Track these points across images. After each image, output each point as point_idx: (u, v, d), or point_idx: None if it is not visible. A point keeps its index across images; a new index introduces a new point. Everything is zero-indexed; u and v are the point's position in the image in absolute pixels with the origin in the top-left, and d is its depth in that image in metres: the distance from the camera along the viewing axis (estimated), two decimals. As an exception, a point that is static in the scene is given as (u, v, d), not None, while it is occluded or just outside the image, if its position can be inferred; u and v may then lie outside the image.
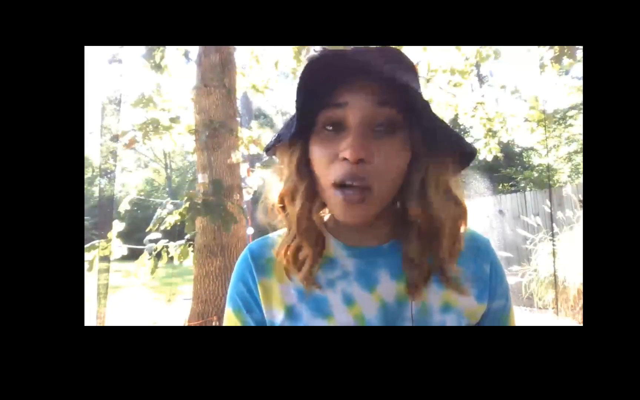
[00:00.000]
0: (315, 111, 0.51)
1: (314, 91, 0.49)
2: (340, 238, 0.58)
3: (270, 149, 0.58)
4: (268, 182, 0.59)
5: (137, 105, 3.51)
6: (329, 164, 0.50)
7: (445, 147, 0.51)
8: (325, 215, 0.60)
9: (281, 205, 0.57)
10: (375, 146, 0.48)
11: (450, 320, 0.54)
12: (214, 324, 3.04)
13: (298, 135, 0.53)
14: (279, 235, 0.60)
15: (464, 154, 0.54)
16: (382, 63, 0.47)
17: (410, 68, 0.53)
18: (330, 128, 0.50)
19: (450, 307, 0.54)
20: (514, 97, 4.87)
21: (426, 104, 0.47)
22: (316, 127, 0.51)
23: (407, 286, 0.53)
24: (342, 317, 0.53)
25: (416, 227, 0.53)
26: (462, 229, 0.54)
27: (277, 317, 0.55)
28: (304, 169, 0.54)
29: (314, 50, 0.47)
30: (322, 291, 0.55)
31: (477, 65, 4.86)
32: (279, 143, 0.55)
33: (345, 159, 0.48)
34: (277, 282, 0.57)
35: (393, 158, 0.49)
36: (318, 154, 0.51)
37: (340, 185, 0.49)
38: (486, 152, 5.04)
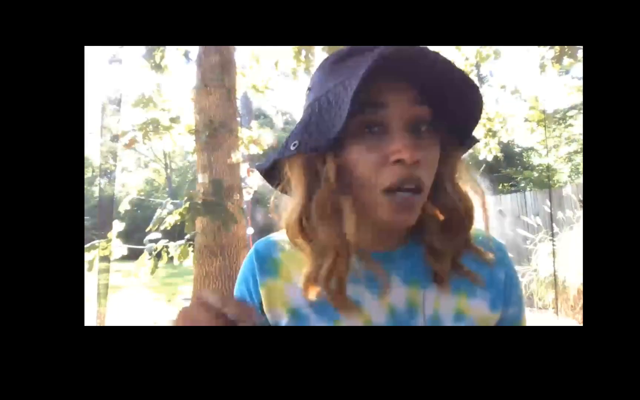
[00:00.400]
0: (354, 114, 0.45)
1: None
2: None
3: (281, 160, 0.52)
4: (283, 204, 0.55)
5: (137, 105, 3.51)
6: (378, 168, 0.47)
7: (468, 139, 0.53)
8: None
9: (299, 223, 0.51)
10: (420, 146, 0.47)
11: None
12: (214, 324, 3.03)
13: (336, 142, 0.47)
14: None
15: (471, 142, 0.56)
16: (454, 66, 0.46)
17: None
18: (373, 130, 0.47)
19: (463, 315, 0.53)
20: (514, 97, 4.88)
21: (478, 99, 0.48)
22: (350, 129, 0.46)
23: (434, 280, 0.53)
24: (349, 323, 0.52)
25: (437, 220, 0.52)
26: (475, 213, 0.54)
27: (282, 319, 0.54)
28: (341, 180, 0.49)
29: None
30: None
31: (477, 65, 4.86)
32: (312, 152, 0.48)
33: (398, 161, 0.46)
34: (283, 283, 0.55)
35: (434, 156, 0.49)
36: (362, 159, 0.47)
37: (394, 190, 0.47)
38: (486, 152, 5.04)
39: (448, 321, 0.52)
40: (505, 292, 0.56)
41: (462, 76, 0.46)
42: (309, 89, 0.55)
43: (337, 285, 0.50)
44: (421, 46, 0.46)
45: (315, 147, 0.47)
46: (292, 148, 0.49)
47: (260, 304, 0.55)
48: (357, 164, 0.48)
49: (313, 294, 0.51)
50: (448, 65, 0.45)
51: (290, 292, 0.54)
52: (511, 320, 0.57)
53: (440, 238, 0.52)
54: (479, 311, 0.54)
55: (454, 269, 0.53)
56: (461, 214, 0.52)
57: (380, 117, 0.47)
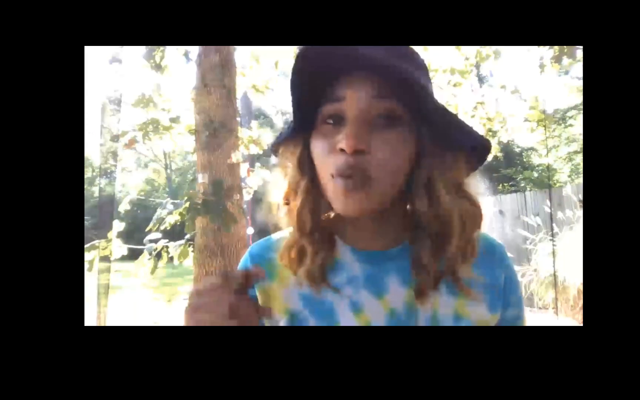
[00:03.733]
0: (317, 106, 0.51)
1: (312, 85, 0.49)
2: (348, 241, 0.56)
3: (274, 148, 0.58)
4: (272, 181, 0.59)
5: (137, 105, 3.50)
6: (328, 156, 0.49)
7: (455, 141, 0.50)
8: (330, 214, 0.58)
9: (285, 203, 0.57)
10: (375, 138, 0.47)
11: None
12: (214, 324, 3.03)
13: (300, 131, 0.53)
14: (282, 237, 0.58)
15: (477, 149, 0.52)
16: (381, 55, 0.46)
17: (419, 65, 0.52)
18: (331, 121, 0.50)
19: (462, 317, 0.53)
20: (514, 97, 4.87)
21: (430, 96, 0.47)
22: (317, 122, 0.52)
23: (415, 291, 0.51)
24: (348, 325, 0.52)
25: (426, 229, 0.51)
26: (475, 230, 0.51)
27: (279, 321, 0.54)
28: (306, 165, 0.54)
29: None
30: (329, 297, 0.53)
31: (477, 65, 4.86)
32: (282, 140, 0.55)
33: (342, 149, 0.47)
34: (279, 287, 0.55)
35: (394, 150, 0.48)
36: (318, 147, 0.51)
37: (339, 176, 0.48)
38: (486, 152, 5.02)
39: (447, 322, 0.52)
40: (505, 294, 0.56)
41: (400, 72, 0.45)
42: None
43: (310, 266, 0.53)
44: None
45: (284, 137, 0.55)
46: (278, 136, 0.57)
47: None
48: (314, 151, 0.52)
49: (285, 262, 0.55)
50: (380, 57, 0.46)
51: (286, 294, 0.55)
52: (510, 322, 0.57)
53: (424, 249, 0.51)
54: (477, 313, 0.53)
55: (452, 280, 0.52)
56: (449, 224, 0.49)
57: (337, 109, 0.49)
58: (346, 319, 0.52)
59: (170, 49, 3.53)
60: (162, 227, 2.95)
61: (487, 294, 0.55)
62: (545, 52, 3.57)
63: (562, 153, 10.79)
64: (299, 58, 0.47)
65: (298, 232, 0.54)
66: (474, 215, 0.51)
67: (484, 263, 0.55)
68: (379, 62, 0.45)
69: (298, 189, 0.54)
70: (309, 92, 0.50)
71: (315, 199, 0.54)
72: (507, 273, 0.57)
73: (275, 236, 0.59)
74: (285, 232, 0.59)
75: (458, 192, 0.50)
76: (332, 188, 0.49)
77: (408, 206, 0.55)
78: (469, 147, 0.51)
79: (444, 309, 0.52)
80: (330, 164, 0.49)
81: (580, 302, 3.79)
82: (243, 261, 0.59)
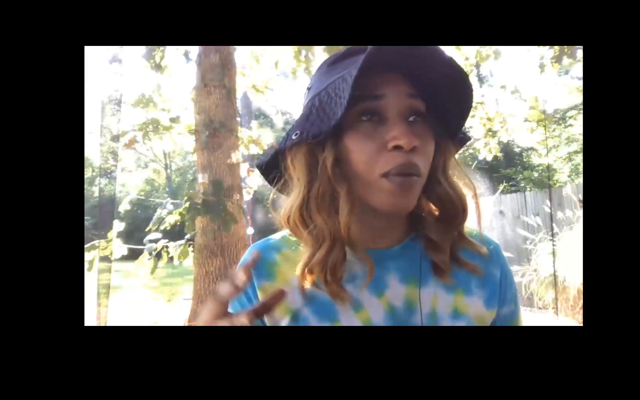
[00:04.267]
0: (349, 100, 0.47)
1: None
2: (351, 240, 0.55)
3: (283, 150, 0.53)
4: (283, 198, 0.56)
5: (137, 105, 3.51)
6: (376, 155, 0.48)
7: (458, 134, 0.55)
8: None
9: (301, 216, 0.52)
10: (416, 135, 0.49)
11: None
12: (214, 324, 3.03)
13: (332, 133, 0.49)
14: (283, 237, 0.58)
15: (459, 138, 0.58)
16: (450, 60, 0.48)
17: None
18: (367, 119, 0.49)
19: (460, 313, 0.54)
20: (514, 97, 4.88)
21: (463, 98, 0.50)
22: (347, 120, 0.49)
23: (434, 271, 0.54)
24: (349, 323, 0.52)
25: (432, 213, 0.55)
26: (472, 200, 0.56)
27: (282, 322, 0.54)
28: (316, 169, 0.51)
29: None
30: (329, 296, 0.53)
31: (477, 65, 4.86)
32: (314, 139, 0.49)
33: (396, 147, 0.47)
34: (281, 286, 0.53)
35: (429, 145, 0.51)
36: (360, 146, 0.49)
37: (397, 174, 0.48)
38: (486, 152, 5.04)
39: (445, 318, 0.53)
40: (501, 290, 0.57)
41: (455, 69, 0.47)
42: (308, 88, 0.57)
43: (332, 274, 0.50)
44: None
45: (316, 134, 0.49)
46: (293, 138, 0.51)
47: None
48: (354, 151, 0.49)
49: (308, 282, 0.52)
50: (441, 58, 0.47)
51: (288, 294, 0.54)
52: (507, 318, 0.58)
53: (436, 230, 0.54)
54: (475, 309, 0.55)
55: (453, 261, 0.55)
56: (455, 205, 0.54)
57: (377, 107, 0.49)
58: (346, 316, 0.52)
59: (170, 49, 3.54)
60: (162, 227, 2.96)
61: (484, 290, 0.56)
62: (545, 52, 3.58)
63: (562, 153, 10.79)
64: (371, 56, 0.45)
65: (332, 244, 0.50)
66: (465, 197, 0.56)
67: (481, 261, 0.56)
68: (450, 67, 0.47)
69: (330, 196, 0.50)
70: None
71: (331, 202, 0.51)
72: (502, 270, 0.58)
73: (275, 236, 0.59)
74: (284, 232, 0.58)
75: (452, 172, 0.56)
76: (383, 187, 0.48)
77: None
78: (461, 139, 0.57)
79: (442, 306, 0.53)
80: (380, 163, 0.48)
81: (580, 302, 3.80)
82: (243, 260, 0.59)
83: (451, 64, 0.47)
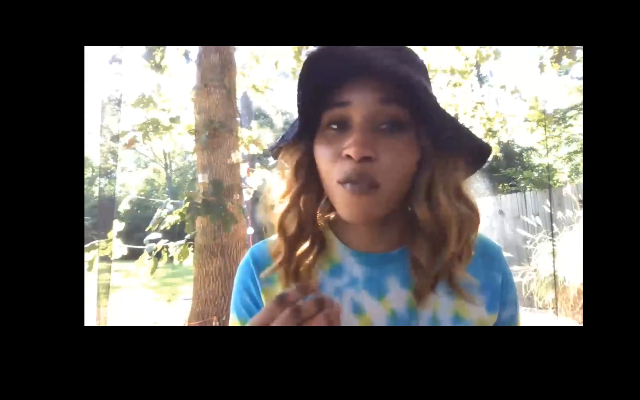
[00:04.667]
0: (320, 111, 0.50)
1: (318, 89, 0.48)
2: (349, 244, 0.56)
3: (275, 150, 0.57)
4: (269, 181, 0.59)
5: (137, 105, 3.51)
6: (333, 162, 0.49)
7: (455, 145, 0.50)
8: (331, 216, 0.59)
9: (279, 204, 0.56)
10: (381, 144, 0.47)
11: None
12: (214, 324, 3.04)
13: (302, 135, 0.52)
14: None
15: (477, 152, 0.52)
16: (385, 59, 0.45)
17: (420, 66, 0.52)
18: (335, 127, 0.49)
19: (461, 317, 0.53)
20: (513, 97, 4.88)
21: (433, 100, 0.46)
22: (320, 127, 0.51)
23: (413, 294, 0.52)
24: (350, 325, 0.52)
25: (425, 233, 0.51)
26: (473, 234, 0.51)
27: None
28: (304, 169, 0.54)
29: (309, 48, 0.47)
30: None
31: (477, 65, 4.86)
32: (283, 143, 0.54)
33: (348, 156, 0.46)
34: (281, 287, 0.55)
35: (400, 156, 0.48)
36: (322, 153, 0.50)
37: (346, 182, 0.47)
38: (486, 152, 5.02)
39: (446, 323, 0.53)
40: (502, 295, 0.57)
41: (395, 74, 0.45)
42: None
43: (286, 260, 0.54)
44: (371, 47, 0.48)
45: (286, 140, 0.54)
46: (278, 142, 0.56)
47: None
48: (318, 157, 0.51)
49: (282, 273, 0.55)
50: (380, 64, 0.44)
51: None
52: (507, 321, 0.58)
53: (423, 252, 0.51)
54: (476, 313, 0.54)
55: (450, 288, 0.53)
56: (439, 231, 0.50)
57: (341, 115, 0.49)
58: (348, 320, 0.52)
59: (170, 49, 3.53)
60: (162, 227, 2.95)
61: (485, 294, 0.55)
62: (545, 52, 3.58)
63: (562, 153, 10.79)
64: (308, 61, 0.45)
65: (280, 236, 0.54)
66: (471, 219, 0.51)
67: (481, 264, 0.56)
68: (385, 66, 0.44)
69: (291, 192, 0.54)
70: (314, 96, 0.49)
71: (307, 203, 0.54)
72: (503, 274, 0.58)
73: (274, 238, 0.59)
74: None
75: (457, 195, 0.50)
76: (339, 194, 0.49)
77: (409, 208, 0.54)
78: (469, 150, 0.51)
79: (443, 310, 0.53)
80: (336, 170, 0.48)
81: (580, 302, 3.79)
82: (244, 263, 0.59)
83: (391, 69, 0.44)
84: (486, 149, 0.52)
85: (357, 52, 0.46)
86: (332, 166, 0.49)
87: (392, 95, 0.47)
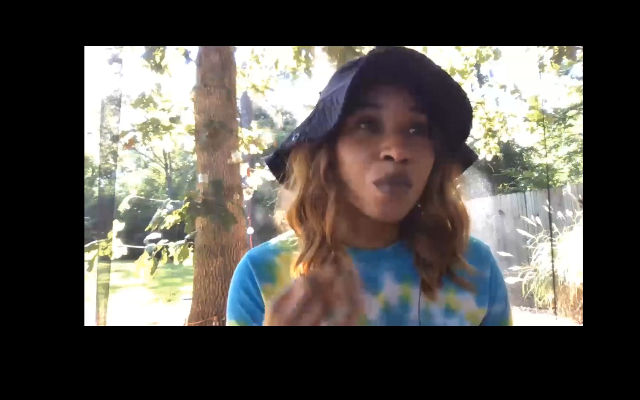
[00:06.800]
0: (347, 110, 0.49)
1: (358, 88, 0.48)
2: (345, 241, 0.56)
3: (283, 152, 0.56)
4: (281, 193, 0.58)
5: (137, 105, 3.51)
6: (369, 163, 0.49)
7: (461, 151, 0.56)
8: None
9: (298, 215, 0.54)
10: (411, 147, 0.49)
11: (452, 324, 0.55)
12: (214, 324, 3.04)
13: (328, 136, 0.51)
14: (281, 241, 0.59)
15: (468, 159, 0.58)
16: (429, 70, 0.47)
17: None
18: (364, 127, 0.50)
19: (453, 311, 0.55)
20: (513, 97, 4.87)
21: (461, 115, 0.50)
22: (346, 127, 0.51)
23: (422, 288, 0.54)
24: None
25: (426, 227, 0.55)
26: (468, 229, 0.56)
27: None
28: (331, 173, 0.53)
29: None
30: None
31: (477, 65, 4.86)
32: (310, 142, 0.52)
33: (387, 157, 0.48)
34: (281, 288, 0.55)
35: (425, 157, 0.51)
36: (354, 153, 0.50)
37: (385, 183, 0.49)
38: (486, 152, 5.04)
39: (438, 316, 0.55)
40: (491, 290, 0.59)
41: (443, 78, 0.47)
42: (320, 93, 0.58)
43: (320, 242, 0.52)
44: (416, 51, 0.49)
45: (313, 138, 0.51)
46: (293, 139, 0.54)
47: (263, 310, 0.55)
48: (348, 157, 0.51)
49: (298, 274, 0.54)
50: (429, 68, 0.47)
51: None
52: (497, 317, 0.60)
53: (427, 247, 0.55)
54: (467, 306, 0.56)
55: (447, 276, 0.55)
56: (446, 227, 0.55)
57: (375, 116, 0.50)
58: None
59: (170, 49, 3.53)
60: (162, 227, 2.95)
61: (476, 289, 0.58)
62: (545, 52, 3.58)
63: (562, 153, 10.79)
64: (368, 62, 0.46)
65: (324, 245, 0.52)
66: (467, 215, 0.56)
67: (471, 261, 0.58)
68: (435, 79, 0.47)
69: (327, 199, 0.52)
70: (355, 94, 0.48)
71: (341, 208, 0.53)
72: (492, 271, 0.61)
73: (273, 241, 0.60)
74: (283, 236, 0.59)
75: (457, 194, 0.56)
76: (371, 194, 0.50)
77: (418, 206, 0.56)
78: (466, 156, 0.57)
79: (436, 303, 0.55)
80: (372, 171, 0.49)
81: (580, 302, 3.79)
82: (242, 265, 0.59)
83: (439, 74, 0.47)
84: (474, 157, 0.59)
85: (415, 58, 0.47)
86: (366, 167, 0.50)
87: (418, 104, 0.50)
